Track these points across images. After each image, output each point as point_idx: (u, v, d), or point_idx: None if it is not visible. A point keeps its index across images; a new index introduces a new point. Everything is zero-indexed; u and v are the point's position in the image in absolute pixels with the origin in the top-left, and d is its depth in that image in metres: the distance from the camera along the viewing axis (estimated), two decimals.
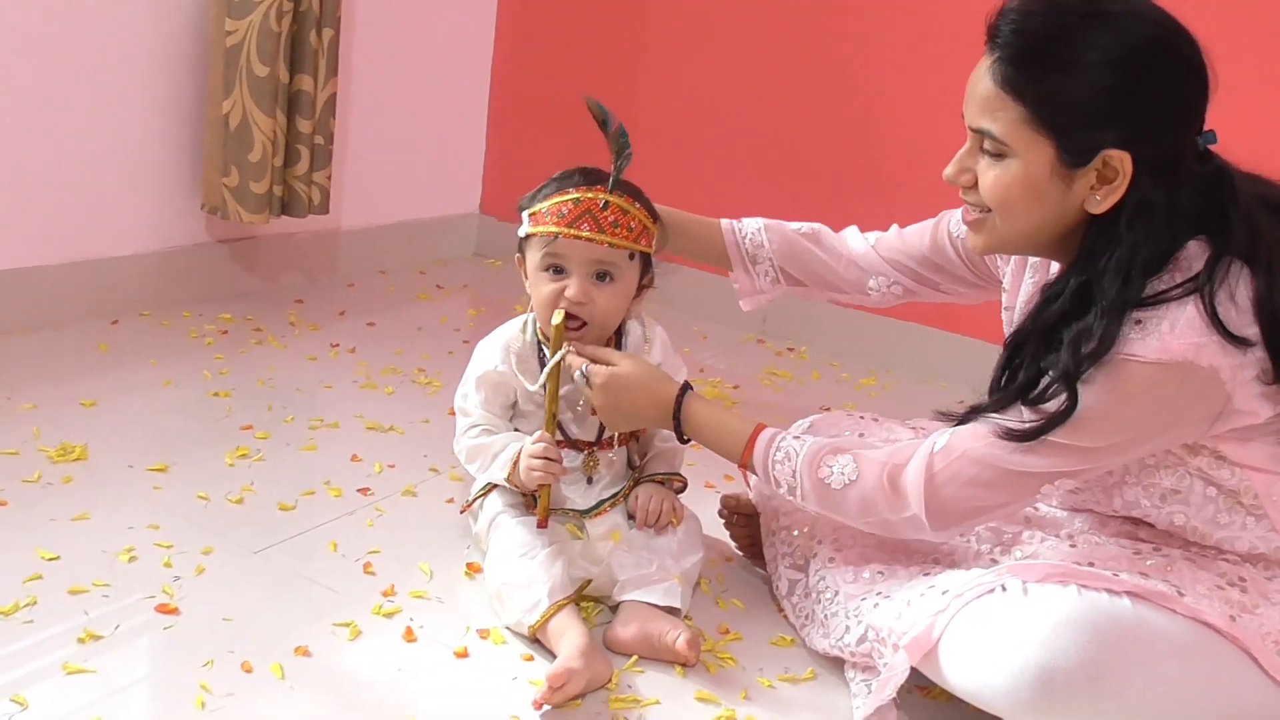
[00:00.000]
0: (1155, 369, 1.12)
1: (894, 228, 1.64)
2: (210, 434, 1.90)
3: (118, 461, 1.74)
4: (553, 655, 1.35)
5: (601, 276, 1.44)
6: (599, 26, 3.08)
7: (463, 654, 1.36)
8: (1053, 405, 1.17)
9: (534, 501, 1.48)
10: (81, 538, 1.51)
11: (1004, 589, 1.21)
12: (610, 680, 1.33)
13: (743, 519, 1.66)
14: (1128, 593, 1.18)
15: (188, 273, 2.54)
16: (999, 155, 1.18)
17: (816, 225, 1.66)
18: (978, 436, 1.23)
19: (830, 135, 2.78)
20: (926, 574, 1.34)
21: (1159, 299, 1.13)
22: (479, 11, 3.18)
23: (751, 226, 1.65)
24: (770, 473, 1.37)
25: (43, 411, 1.89)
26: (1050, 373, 1.18)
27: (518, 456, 1.44)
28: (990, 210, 1.22)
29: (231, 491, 1.69)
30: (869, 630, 1.31)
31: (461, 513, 1.64)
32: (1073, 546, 1.31)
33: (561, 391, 1.47)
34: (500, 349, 1.51)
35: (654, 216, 1.49)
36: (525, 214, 1.47)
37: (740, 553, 1.70)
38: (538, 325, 1.51)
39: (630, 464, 1.59)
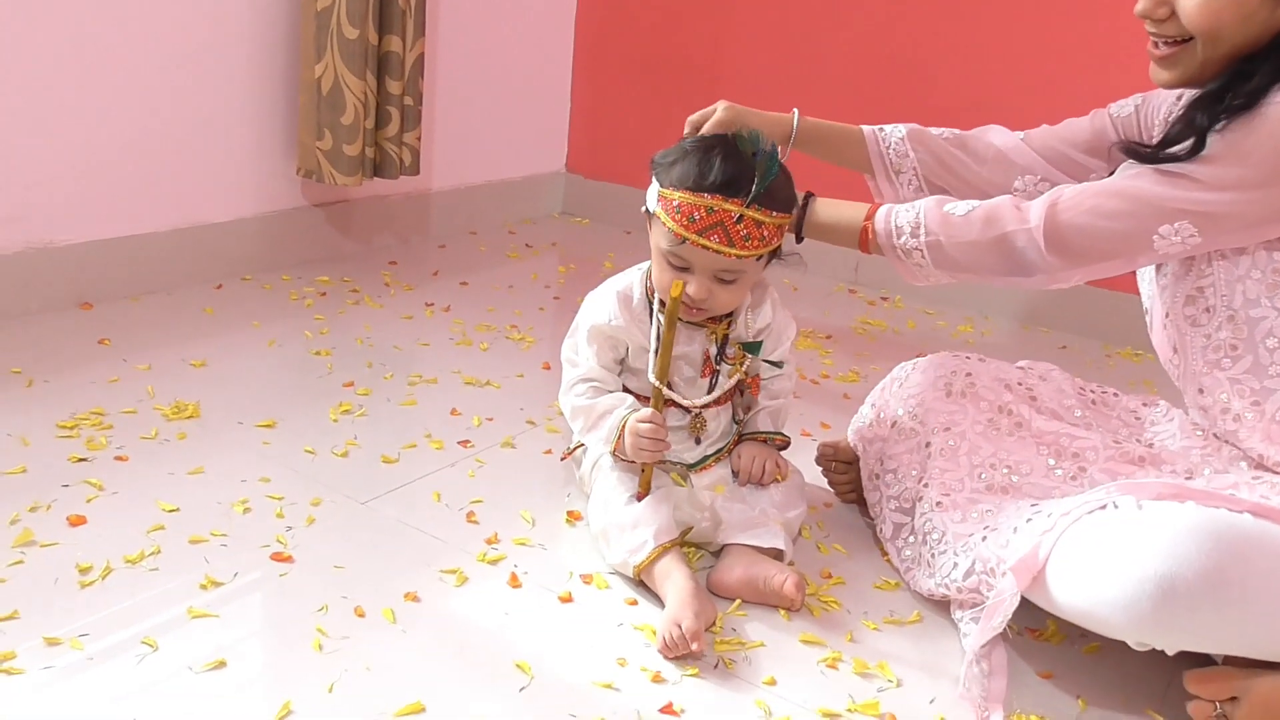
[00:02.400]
0: None
1: (1043, 125, 1.62)
2: (314, 391, 1.94)
3: (228, 418, 1.80)
4: (657, 598, 1.36)
5: (723, 278, 1.40)
6: None
7: (567, 599, 1.38)
8: (1181, 148, 1.24)
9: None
10: (198, 491, 1.56)
11: (1115, 506, 1.18)
12: (715, 623, 1.34)
13: (842, 465, 1.65)
14: (1248, 510, 1.14)
15: (286, 237, 2.59)
16: None
17: (959, 130, 1.64)
18: (1103, 181, 1.31)
19: (923, 72, 2.71)
20: (1035, 505, 1.31)
21: None
22: None
23: (895, 135, 1.64)
24: (892, 222, 1.40)
25: (156, 372, 1.95)
26: (1179, 130, 1.25)
27: (623, 429, 1.43)
28: (1188, 40, 1.25)
29: (337, 445, 1.73)
30: (976, 562, 1.29)
31: (563, 459, 1.65)
32: (1189, 478, 1.27)
33: (676, 352, 1.45)
34: (615, 301, 1.48)
35: (792, 207, 1.43)
36: (656, 186, 1.40)
37: (840, 498, 1.69)
38: (650, 284, 1.49)
39: (735, 419, 1.58)
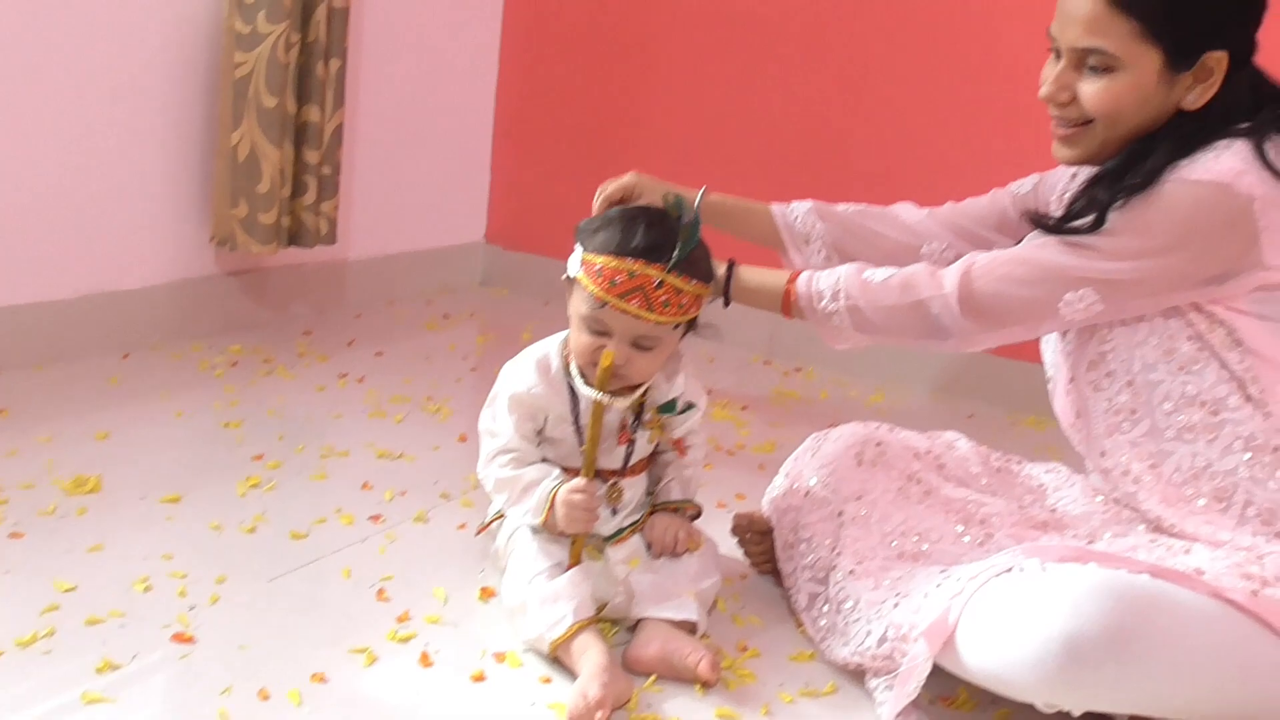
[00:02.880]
0: (1192, 186, 1.23)
1: (947, 203, 1.69)
2: (222, 464, 1.90)
3: (131, 492, 1.75)
4: (571, 676, 1.35)
5: (642, 345, 1.42)
6: (601, 56, 3.10)
7: (479, 678, 1.36)
8: (1082, 223, 1.31)
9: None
10: (97, 568, 1.51)
11: (1021, 569, 1.21)
12: (630, 700, 1.33)
13: (756, 536, 1.66)
14: (1146, 571, 1.18)
15: (197, 305, 2.55)
16: (1107, 69, 1.28)
17: (865, 205, 1.71)
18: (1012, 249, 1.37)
19: (835, 146, 2.79)
20: (943, 570, 1.33)
21: (1207, 145, 1.25)
22: (483, 42, 3.22)
23: (801, 208, 1.70)
24: (813, 286, 1.45)
25: (57, 444, 1.89)
26: (1081, 206, 1.32)
27: (553, 500, 1.43)
28: (1090, 122, 1.32)
29: (244, 520, 1.69)
30: (889, 629, 1.30)
31: (478, 533, 1.64)
32: (1091, 542, 1.31)
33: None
34: (534, 370, 1.48)
35: (710, 279, 1.46)
36: (579, 252, 1.42)
37: (755, 570, 1.69)
38: (567, 353, 1.49)
39: (648, 491, 1.59)
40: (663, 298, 1.37)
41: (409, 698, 1.31)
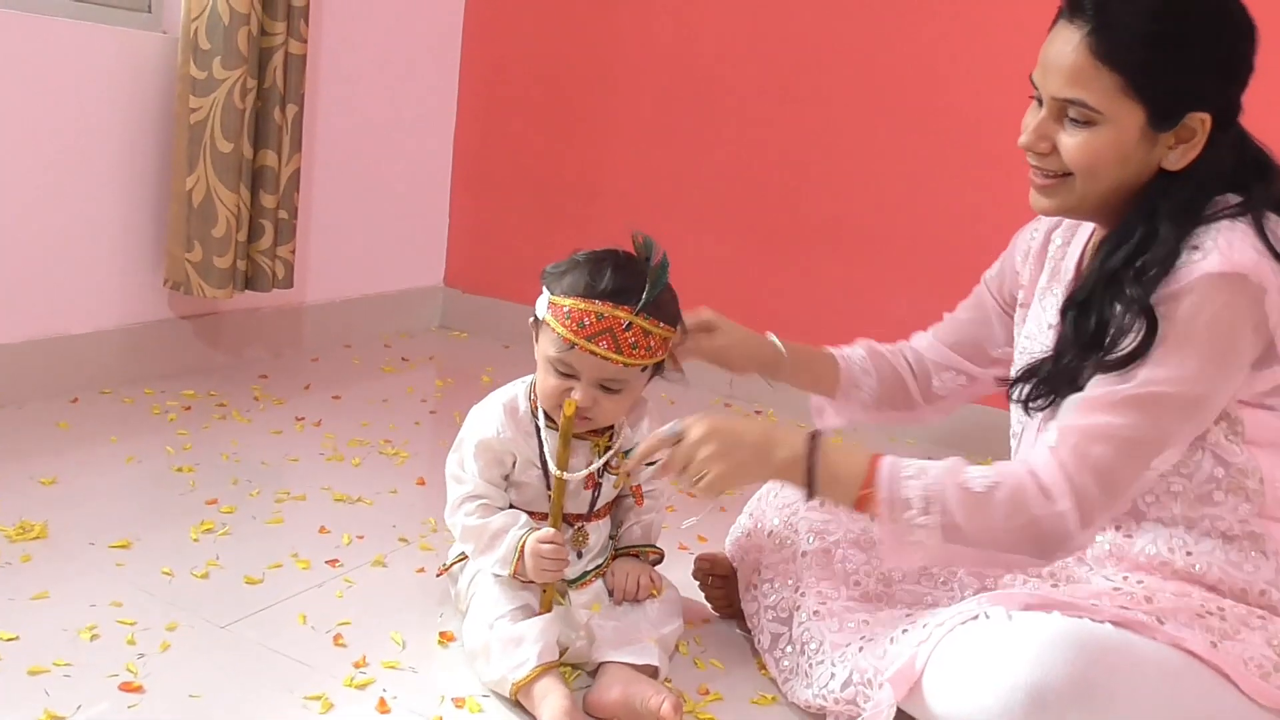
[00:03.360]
0: (1216, 280, 1.17)
1: (945, 316, 1.67)
2: (174, 509, 1.86)
3: (78, 539, 1.70)
4: (533, 719, 1.33)
5: (609, 387, 1.41)
6: (560, 101, 3.13)
7: None
8: (1130, 338, 1.20)
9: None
10: (41, 617, 1.47)
11: (987, 616, 1.21)
12: None
13: (718, 580, 1.65)
14: (1109, 620, 1.18)
15: (150, 349, 2.51)
16: (1087, 122, 1.23)
17: (902, 345, 1.66)
18: (1082, 414, 1.22)
19: (792, 198, 2.83)
20: (909, 615, 1.33)
21: (1210, 219, 1.21)
22: (441, 87, 3.23)
23: (857, 355, 1.63)
24: (897, 491, 1.22)
25: (1, 490, 1.84)
26: (1118, 310, 1.23)
27: (521, 550, 1.41)
28: (1069, 174, 1.26)
29: (197, 566, 1.65)
30: (854, 673, 1.30)
31: (439, 575, 1.61)
32: (1054, 585, 1.31)
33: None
34: (501, 414, 1.47)
35: (676, 323, 1.45)
36: (546, 295, 1.42)
37: (716, 614, 1.68)
38: (534, 396, 1.48)
39: (610, 535, 1.58)
40: (631, 340, 1.37)
41: None
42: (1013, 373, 1.40)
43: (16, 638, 1.41)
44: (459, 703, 1.38)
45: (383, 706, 1.35)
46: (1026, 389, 1.33)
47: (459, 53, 3.25)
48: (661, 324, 1.40)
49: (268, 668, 1.41)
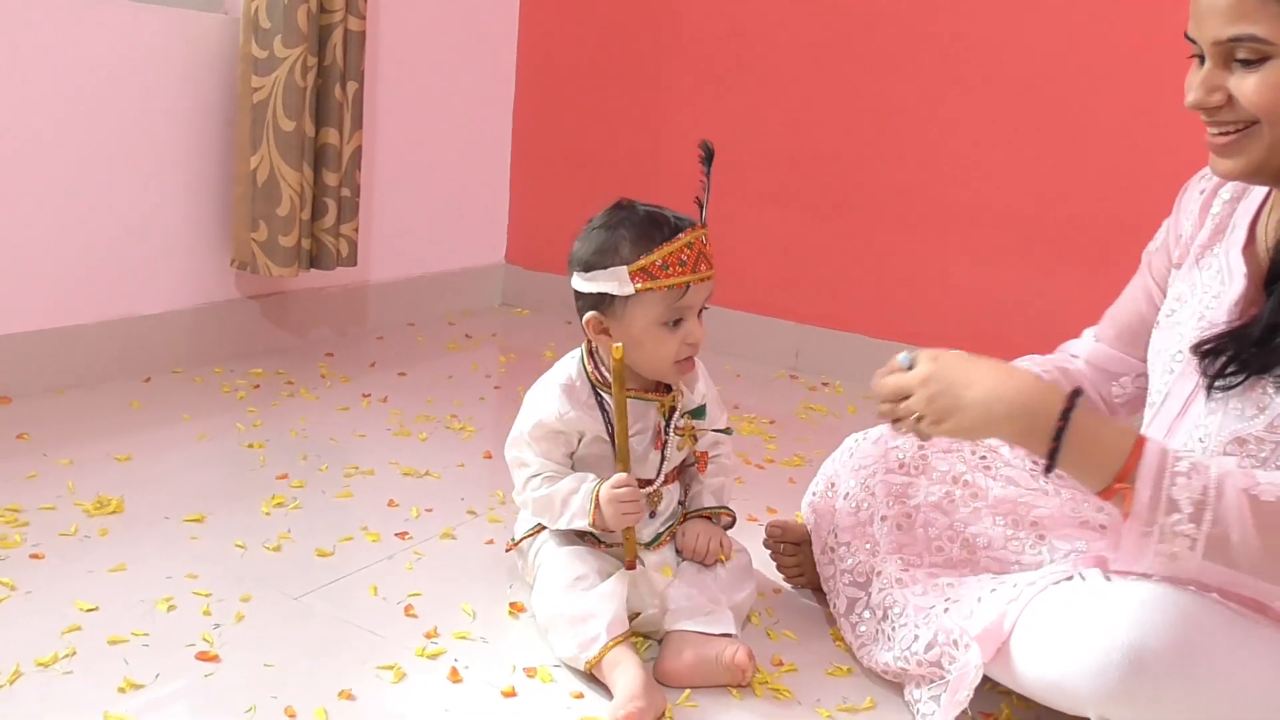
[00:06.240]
0: None
1: (1105, 314, 1.48)
2: (245, 484, 1.88)
3: (154, 513, 1.72)
4: (605, 690, 1.31)
5: (703, 309, 1.43)
6: (617, 75, 3.10)
7: (510, 693, 1.32)
8: None
9: (595, 539, 1.46)
10: (119, 589, 1.48)
11: (1082, 577, 1.15)
12: (663, 716, 1.29)
13: (790, 546, 1.62)
14: (1215, 592, 1.12)
15: (218, 329, 2.54)
16: (1260, 60, 1.08)
17: (1059, 358, 1.48)
18: None
19: (850, 167, 2.77)
20: (996, 576, 1.29)
21: None
22: (500, 63, 3.22)
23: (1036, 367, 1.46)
24: (1165, 490, 1.05)
25: (78, 467, 1.87)
26: None
27: (597, 500, 1.39)
28: (1254, 124, 1.11)
29: (269, 539, 1.67)
30: (938, 634, 1.26)
31: (507, 550, 1.61)
32: None
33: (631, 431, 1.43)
34: (560, 396, 1.44)
35: None
36: (620, 272, 1.36)
37: (788, 584, 1.65)
38: (588, 368, 1.46)
39: (680, 500, 1.55)
40: (709, 251, 1.40)
41: (438, 714, 1.27)
42: (1192, 339, 1.21)
43: (96, 608, 1.43)
44: (530, 672, 1.37)
45: (455, 676, 1.35)
46: (1219, 363, 1.15)
47: (516, 26, 3.23)
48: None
49: (340, 638, 1.42)
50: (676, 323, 1.39)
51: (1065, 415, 1.09)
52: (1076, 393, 1.11)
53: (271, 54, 2.35)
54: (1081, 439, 1.09)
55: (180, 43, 2.36)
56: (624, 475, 1.38)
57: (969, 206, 2.64)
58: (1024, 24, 2.52)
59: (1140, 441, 1.08)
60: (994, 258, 2.63)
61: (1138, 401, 1.45)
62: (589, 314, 1.41)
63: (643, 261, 1.35)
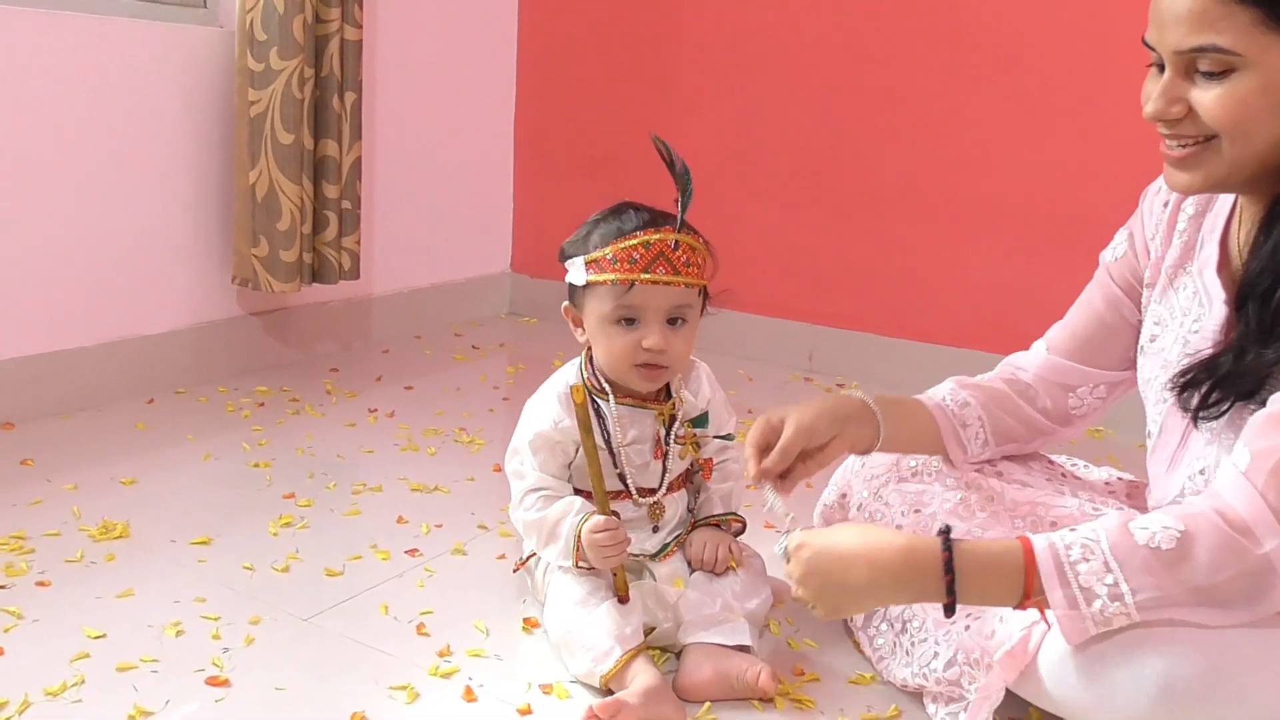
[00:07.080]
0: None
1: (1054, 325, 1.45)
2: (252, 505, 1.85)
3: (160, 537, 1.70)
4: None
5: (674, 321, 1.37)
6: (620, 79, 3.07)
7: (526, 711, 1.29)
8: None
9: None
10: (127, 614, 1.46)
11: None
12: None
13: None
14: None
15: (221, 347, 2.52)
16: (1224, 72, 1.05)
17: (985, 376, 1.47)
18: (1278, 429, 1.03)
19: (862, 164, 2.74)
20: None
21: None
22: (500, 70, 3.20)
23: (945, 389, 1.46)
24: (1073, 585, 1.04)
25: (83, 492, 1.85)
26: None
27: (579, 541, 1.36)
28: (1212, 138, 1.08)
29: (277, 560, 1.64)
30: (959, 653, 1.22)
31: (515, 570, 1.58)
32: None
33: (627, 441, 1.41)
34: (557, 405, 1.42)
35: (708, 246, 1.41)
36: (579, 261, 1.37)
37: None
38: (585, 376, 1.45)
39: (688, 508, 1.53)
40: (683, 258, 1.34)
41: None
42: (1165, 370, 1.19)
43: (104, 635, 1.40)
44: (547, 689, 1.34)
45: (469, 695, 1.32)
46: (1199, 395, 1.13)
47: (516, 28, 3.21)
48: (700, 238, 1.37)
49: (352, 659, 1.39)
50: (629, 322, 1.36)
51: (949, 566, 1.08)
52: (945, 533, 1.10)
53: (268, 66, 2.33)
54: (974, 578, 1.08)
55: (175, 57, 2.34)
56: (601, 519, 1.35)
57: (983, 202, 2.61)
58: (1037, 17, 2.49)
59: (1027, 547, 1.07)
60: (1009, 254, 2.60)
61: (1096, 413, 1.43)
62: (564, 303, 1.43)
63: (595, 254, 1.35)
